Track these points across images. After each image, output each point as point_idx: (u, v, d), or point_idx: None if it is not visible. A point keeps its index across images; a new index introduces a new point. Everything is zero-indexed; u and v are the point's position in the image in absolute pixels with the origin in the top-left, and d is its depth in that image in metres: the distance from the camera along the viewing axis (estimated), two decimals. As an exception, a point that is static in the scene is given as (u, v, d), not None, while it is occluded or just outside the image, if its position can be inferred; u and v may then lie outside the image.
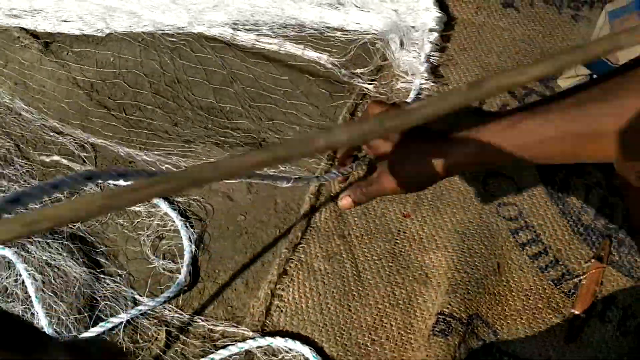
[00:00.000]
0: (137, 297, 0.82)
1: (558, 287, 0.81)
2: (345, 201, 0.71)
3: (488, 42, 1.12)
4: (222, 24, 1.14)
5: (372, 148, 0.66)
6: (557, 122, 0.54)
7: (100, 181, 0.35)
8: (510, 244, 0.85)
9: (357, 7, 1.13)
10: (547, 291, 0.81)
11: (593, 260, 0.82)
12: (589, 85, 0.55)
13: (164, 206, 0.89)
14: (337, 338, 0.77)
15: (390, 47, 1.07)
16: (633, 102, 0.49)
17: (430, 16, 1.08)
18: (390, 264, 0.84)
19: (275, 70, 1.05)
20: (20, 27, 1.18)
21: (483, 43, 1.12)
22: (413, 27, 1.10)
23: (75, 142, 0.99)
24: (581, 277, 0.81)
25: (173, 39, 1.12)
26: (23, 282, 0.81)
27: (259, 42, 1.09)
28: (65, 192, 0.92)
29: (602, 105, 0.52)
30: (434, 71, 1.05)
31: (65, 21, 1.19)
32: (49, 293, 0.81)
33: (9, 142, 1.01)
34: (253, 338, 0.77)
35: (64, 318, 0.78)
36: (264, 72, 1.05)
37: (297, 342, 0.76)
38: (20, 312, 0.80)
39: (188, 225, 0.88)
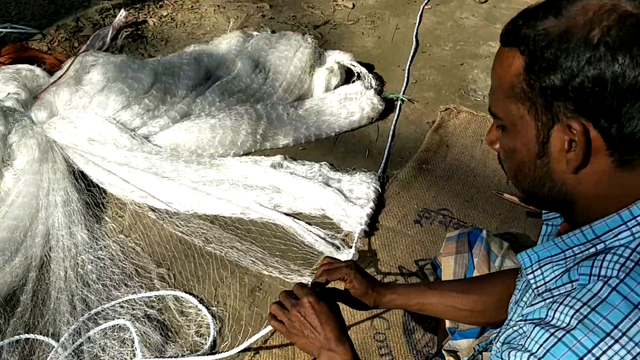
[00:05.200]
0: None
1: None
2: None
3: (396, 244, 1.97)
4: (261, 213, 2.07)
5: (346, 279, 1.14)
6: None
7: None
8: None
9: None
10: None
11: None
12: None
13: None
14: None
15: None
16: (485, 297, 1.12)
17: (363, 220, 1.98)
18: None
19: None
20: (148, 207, 2.12)
21: (395, 243, 1.98)
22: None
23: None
24: None
25: (228, 220, 2.04)
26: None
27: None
28: None
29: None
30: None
31: (170, 203, 2.14)
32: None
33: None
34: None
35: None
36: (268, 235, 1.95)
37: None
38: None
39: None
